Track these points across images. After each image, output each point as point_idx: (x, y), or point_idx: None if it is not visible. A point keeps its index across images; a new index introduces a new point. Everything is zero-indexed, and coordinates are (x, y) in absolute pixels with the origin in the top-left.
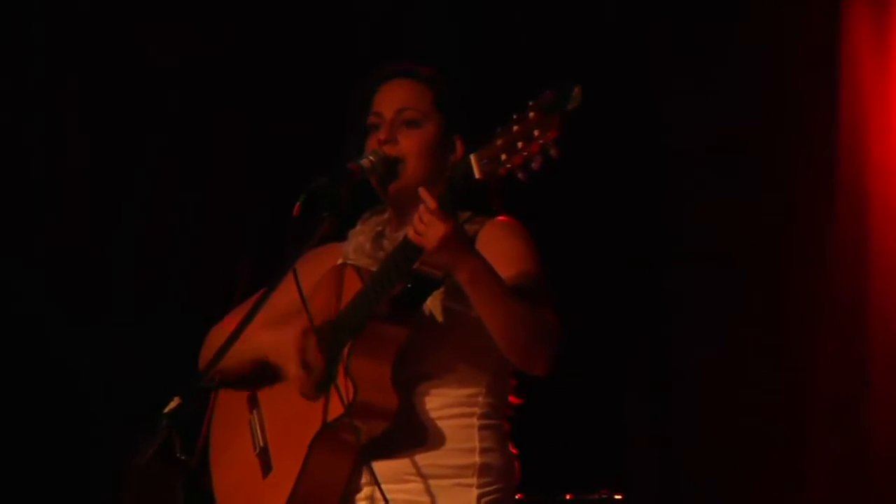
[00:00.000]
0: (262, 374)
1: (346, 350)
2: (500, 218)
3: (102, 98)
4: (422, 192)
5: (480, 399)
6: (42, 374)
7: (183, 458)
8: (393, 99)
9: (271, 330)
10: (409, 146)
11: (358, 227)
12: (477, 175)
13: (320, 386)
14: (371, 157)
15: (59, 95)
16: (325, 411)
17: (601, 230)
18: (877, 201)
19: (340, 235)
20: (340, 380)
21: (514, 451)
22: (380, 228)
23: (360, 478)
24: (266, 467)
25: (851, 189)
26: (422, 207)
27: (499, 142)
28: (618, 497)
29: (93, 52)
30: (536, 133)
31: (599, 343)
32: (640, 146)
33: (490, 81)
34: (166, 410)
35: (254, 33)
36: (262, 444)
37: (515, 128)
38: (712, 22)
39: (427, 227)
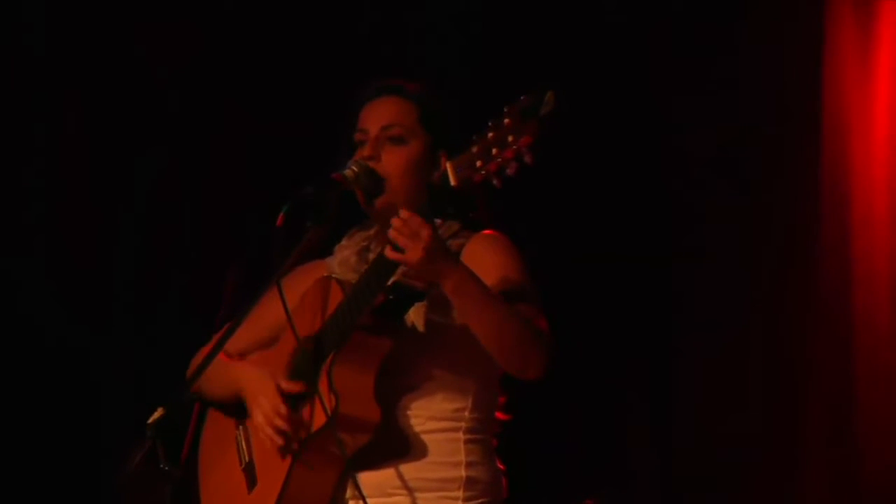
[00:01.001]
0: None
1: (328, 360)
2: (486, 232)
3: (103, 98)
4: (401, 210)
5: (466, 413)
6: (44, 376)
7: (167, 468)
8: (378, 115)
9: (255, 363)
10: (394, 164)
11: (343, 242)
12: (452, 182)
13: (300, 398)
14: (354, 168)
15: (60, 96)
16: (310, 424)
17: (600, 230)
18: (858, 209)
19: (326, 251)
20: (323, 390)
21: (501, 466)
22: (365, 244)
23: (344, 492)
24: (251, 482)
25: (835, 197)
26: (397, 220)
27: (474, 148)
28: None
29: (93, 52)
30: (510, 139)
31: (599, 344)
32: (639, 146)
33: (491, 83)
34: (150, 421)
35: (254, 33)
36: (247, 458)
37: (490, 134)
38: (711, 22)
39: (406, 239)
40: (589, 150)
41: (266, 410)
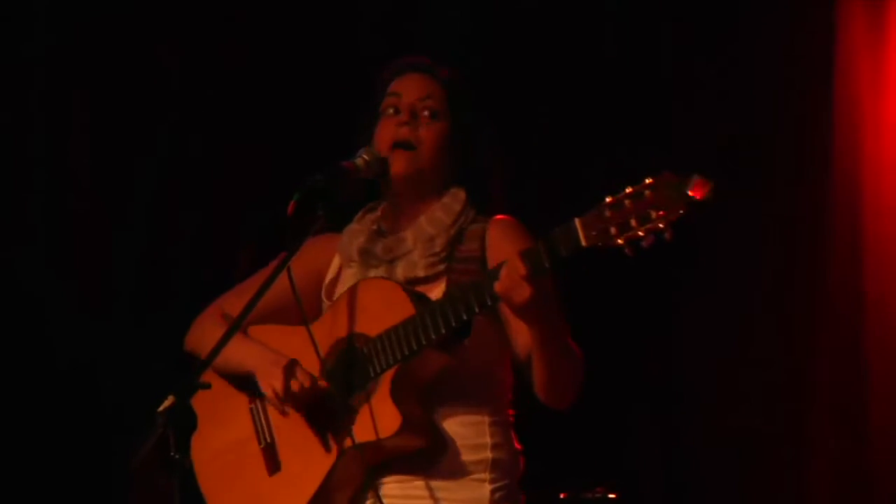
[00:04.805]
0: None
1: (392, 373)
2: (500, 217)
3: (107, 96)
4: (514, 257)
5: (492, 399)
6: (47, 372)
7: (177, 456)
8: (416, 87)
9: (257, 333)
10: (428, 135)
11: (354, 226)
12: (583, 243)
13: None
14: (365, 156)
15: (64, 94)
16: (349, 425)
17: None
18: (870, 199)
19: (336, 228)
20: (382, 403)
21: (518, 445)
22: (375, 227)
23: (371, 478)
24: (272, 464)
25: (846, 186)
26: (509, 266)
27: (608, 213)
28: (612, 496)
29: (96, 52)
30: (654, 214)
31: (603, 343)
32: (643, 147)
33: (491, 83)
34: (160, 409)
35: (256, 32)
36: (268, 439)
37: (628, 202)
38: (711, 23)
39: (516, 287)
40: (591, 151)
41: (283, 383)
